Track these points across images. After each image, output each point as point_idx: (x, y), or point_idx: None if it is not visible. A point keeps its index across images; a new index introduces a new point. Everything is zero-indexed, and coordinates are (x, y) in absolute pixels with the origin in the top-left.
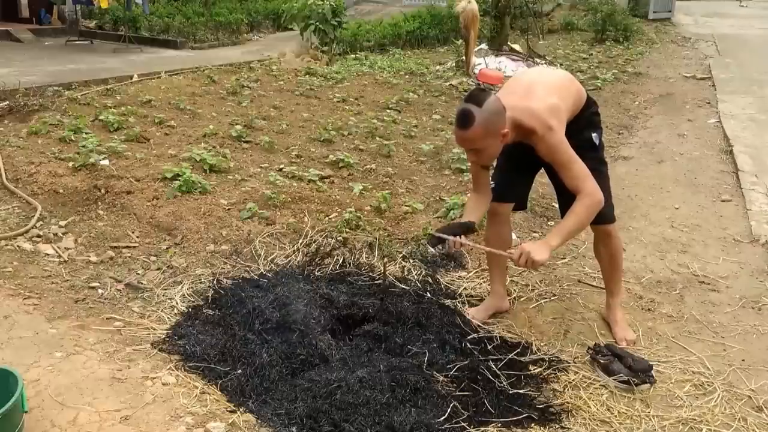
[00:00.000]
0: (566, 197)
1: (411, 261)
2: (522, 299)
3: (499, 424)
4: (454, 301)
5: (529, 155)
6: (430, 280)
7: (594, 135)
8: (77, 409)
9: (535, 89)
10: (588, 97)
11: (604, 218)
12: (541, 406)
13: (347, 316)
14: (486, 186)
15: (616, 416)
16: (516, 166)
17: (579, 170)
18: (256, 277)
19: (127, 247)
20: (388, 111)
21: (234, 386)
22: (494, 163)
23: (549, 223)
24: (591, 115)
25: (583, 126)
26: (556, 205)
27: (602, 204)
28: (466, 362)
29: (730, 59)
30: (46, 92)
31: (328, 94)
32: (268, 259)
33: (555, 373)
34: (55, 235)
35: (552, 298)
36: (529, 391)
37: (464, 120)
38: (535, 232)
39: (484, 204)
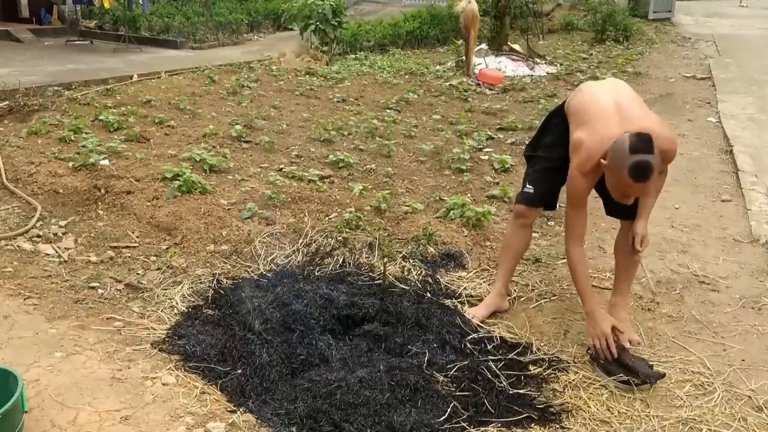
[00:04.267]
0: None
1: (411, 261)
2: (522, 299)
3: (499, 424)
4: (454, 301)
5: (565, 160)
6: (430, 280)
7: None
8: (77, 409)
9: (629, 110)
10: None
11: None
12: (541, 406)
13: (347, 316)
14: None
15: (616, 416)
16: (553, 170)
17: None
18: (256, 277)
19: (127, 247)
20: (388, 111)
21: (234, 386)
22: (536, 167)
23: (549, 222)
24: None
25: None
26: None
27: None
28: (466, 362)
29: (730, 59)
30: (46, 92)
31: (328, 94)
32: (268, 259)
33: (555, 373)
34: (55, 235)
35: (552, 298)
36: (529, 391)
37: (648, 172)
38: (535, 232)
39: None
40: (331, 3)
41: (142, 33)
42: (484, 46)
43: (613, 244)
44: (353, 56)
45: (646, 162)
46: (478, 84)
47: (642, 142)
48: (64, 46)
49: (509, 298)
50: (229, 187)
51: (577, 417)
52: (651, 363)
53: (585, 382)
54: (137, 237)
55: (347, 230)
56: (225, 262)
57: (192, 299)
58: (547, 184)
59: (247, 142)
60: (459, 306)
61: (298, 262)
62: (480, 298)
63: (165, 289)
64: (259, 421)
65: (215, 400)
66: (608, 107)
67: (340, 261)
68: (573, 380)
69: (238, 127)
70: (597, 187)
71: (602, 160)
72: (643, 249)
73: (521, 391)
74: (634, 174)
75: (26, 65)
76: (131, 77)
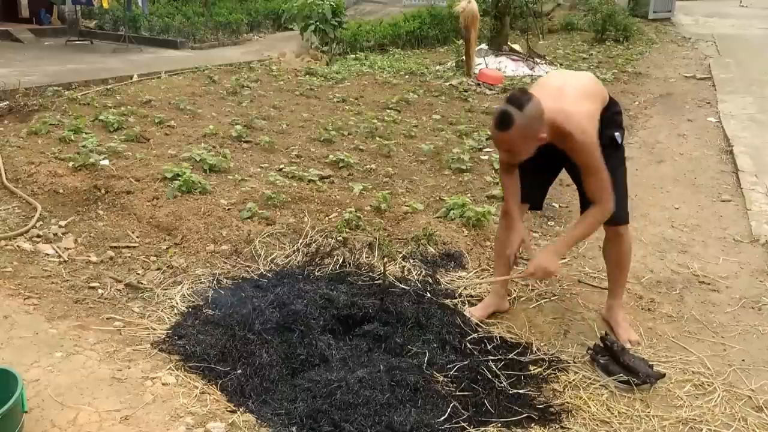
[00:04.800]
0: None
1: (411, 261)
2: (522, 299)
3: (499, 424)
4: (454, 301)
5: (551, 158)
6: (430, 280)
7: (617, 134)
8: (77, 409)
9: (567, 92)
10: (610, 97)
11: (616, 219)
12: (541, 406)
13: (347, 316)
14: (515, 167)
15: (616, 416)
16: (536, 168)
17: (603, 180)
18: (256, 277)
19: (127, 247)
20: (388, 111)
21: (234, 386)
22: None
23: (549, 222)
24: (613, 114)
25: (606, 125)
26: (556, 205)
27: (609, 215)
28: (466, 362)
29: (730, 59)
30: (46, 92)
31: (328, 94)
32: (268, 259)
33: (555, 373)
34: (55, 235)
35: (552, 298)
36: (529, 391)
37: (503, 122)
38: (535, 232)
39: (518, 182)
40: (331, 3)
41: (142, 33)
42: (484, 46)
43: None
44: (353, 56)
45: (507, 113)
46: (478, 84)
47: (518, 96)
48: (64, 46)
49: (509, 298)
50: (229, 187)
51: (577, 417)
52: (651, 363)
53: (585, 382)
54: (137, 237)
55: (347, 230)
56: (225, 262)
57: (192, 299)
58: (522, 178)
59: (247, 142)
60: (459, 306)
61: (298, 262)
62: (480, 298)
63: (165, 289)
64: (259, 421)
65: (215, 400)
66: (550, 88)
67: (340, 261)
68: (573, 380)
69: (238, 127)
70: (577, 181)
71: None
72: (521, 277)
73: (521, 391)
74: (494, 118)
75: (26, 65)
76: (131, 77)
